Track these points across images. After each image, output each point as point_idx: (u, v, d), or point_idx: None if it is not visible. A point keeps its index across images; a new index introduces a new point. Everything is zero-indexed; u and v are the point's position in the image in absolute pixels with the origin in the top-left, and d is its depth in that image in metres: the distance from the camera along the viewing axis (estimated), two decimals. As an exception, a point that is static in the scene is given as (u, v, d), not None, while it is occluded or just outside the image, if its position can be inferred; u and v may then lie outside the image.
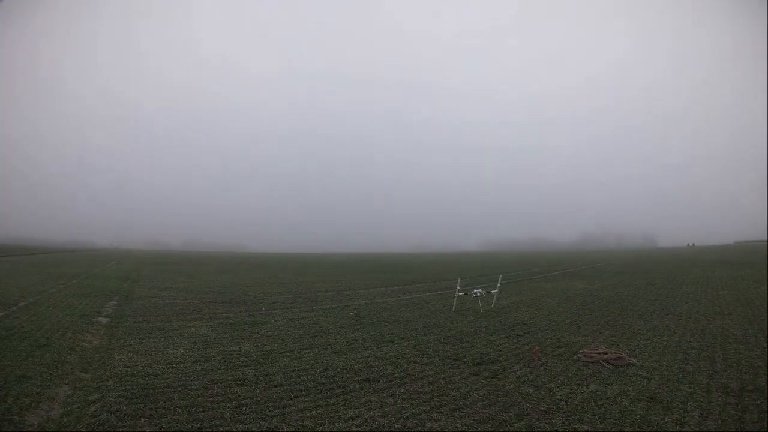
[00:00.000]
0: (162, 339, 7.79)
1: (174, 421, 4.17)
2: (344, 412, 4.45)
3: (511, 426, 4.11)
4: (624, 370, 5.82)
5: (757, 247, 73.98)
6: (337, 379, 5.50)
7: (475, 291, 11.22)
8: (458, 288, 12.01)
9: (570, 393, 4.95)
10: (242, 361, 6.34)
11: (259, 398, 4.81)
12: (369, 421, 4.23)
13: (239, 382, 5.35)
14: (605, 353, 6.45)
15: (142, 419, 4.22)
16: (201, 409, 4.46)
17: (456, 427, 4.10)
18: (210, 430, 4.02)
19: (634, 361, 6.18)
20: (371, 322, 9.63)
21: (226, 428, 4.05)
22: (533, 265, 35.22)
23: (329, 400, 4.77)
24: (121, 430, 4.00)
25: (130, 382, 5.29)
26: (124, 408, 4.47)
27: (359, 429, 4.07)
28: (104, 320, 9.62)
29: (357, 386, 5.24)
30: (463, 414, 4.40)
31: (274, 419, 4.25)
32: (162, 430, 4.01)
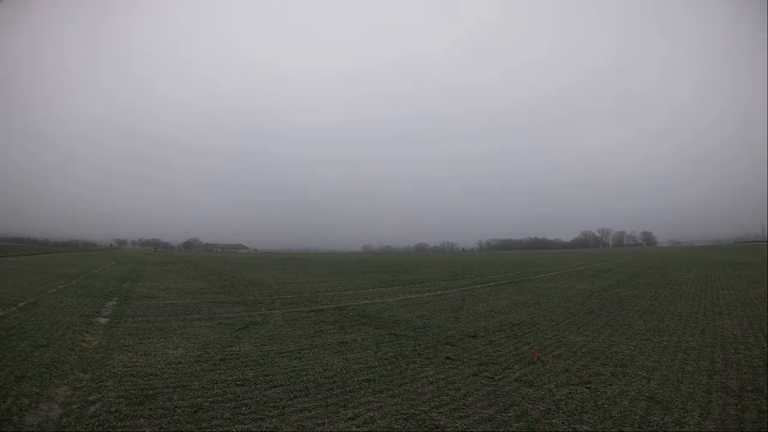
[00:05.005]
0: (161, 339, 7.79)
1: (173, 422, 4.16)
2: (344, 412, 4.45)
3: (511, 426, 4.11)
4: (623, 370, 5.81)
5: (757, 247, 73.98)
6: (337, 380, 5.50)
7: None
8: None
9: (570, 393, 4.95)
10: (242, 362, 6.34)
11: (258, 398, 4.81)
12: (369, 421, 4.23)
13: (239, 383, 5.34)
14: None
15: (141, 419, 4.21)
16: (200, 410, 4.46)
17: (456, 427, 4.10)
18: (210, 430, 4.01)
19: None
20: (371, 322, 9.62)
21: (226, 428, 4.04)
22: (533, 265, 35.21)
23: (329, 401, 4.76)
24: (120, 430, 3.99)
25: (129, 383, 5.28)
26: (124, 408, 4.47)
27: (359, 429, 4.06)
28: (104, 320, 9.62)
29: (356, 386, 5.24)
30: (463, 414, 4.39)
31: (274, 419, 4.24)
32: (161, 430, 4.01)
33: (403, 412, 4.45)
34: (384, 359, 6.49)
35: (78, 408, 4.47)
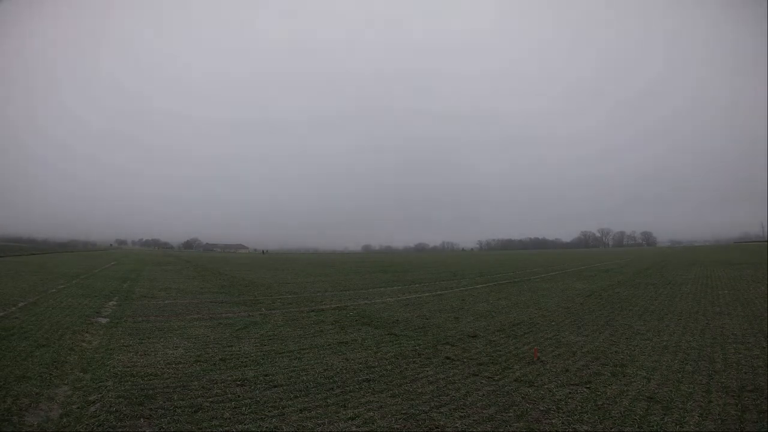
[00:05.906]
0: (161, 339, 7.79)
1: (173, 422, 4.17)
2: (344, 412, 4.45)
3: (511, 426, 4.11)
4: (623, 370, 5.81)
5: (757, 247, 74.00)
6: (337, 380, 5.50)
7: None
8: None
9: (570, 393, 4.95)
10: (242, 362, 6.34)
11: (258, 398, 4.81)
12: (369, 421, 4.23)
13: (239, 383, 5.34)
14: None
15: (141, 419, 4.21)
16: (200, 410, 4.46)
17: (456, 427, 4.10)
18: (210, 430, 4.02)
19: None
20: (371, 322, 9.62)
21: (226, 428, 4.04)
22: (532, 265, 35.21)
23: (329, 401, 4.77)
24: (120, 430, 4.00)
25: (129, 383, 5.29)
26: (124, 408, 4.47)
27: (359, 429, 4.06)
28: (104, 320, 9.62)
29: (356, 386, 5.24)
30: (463, 414, 4.39)
31: (274, 419, 4.25)
32: (161, 430, 4.01)
33: (403, 412, 4.45)
34: (384, 359, 6.49)
35: (78, 408, 4.47)
